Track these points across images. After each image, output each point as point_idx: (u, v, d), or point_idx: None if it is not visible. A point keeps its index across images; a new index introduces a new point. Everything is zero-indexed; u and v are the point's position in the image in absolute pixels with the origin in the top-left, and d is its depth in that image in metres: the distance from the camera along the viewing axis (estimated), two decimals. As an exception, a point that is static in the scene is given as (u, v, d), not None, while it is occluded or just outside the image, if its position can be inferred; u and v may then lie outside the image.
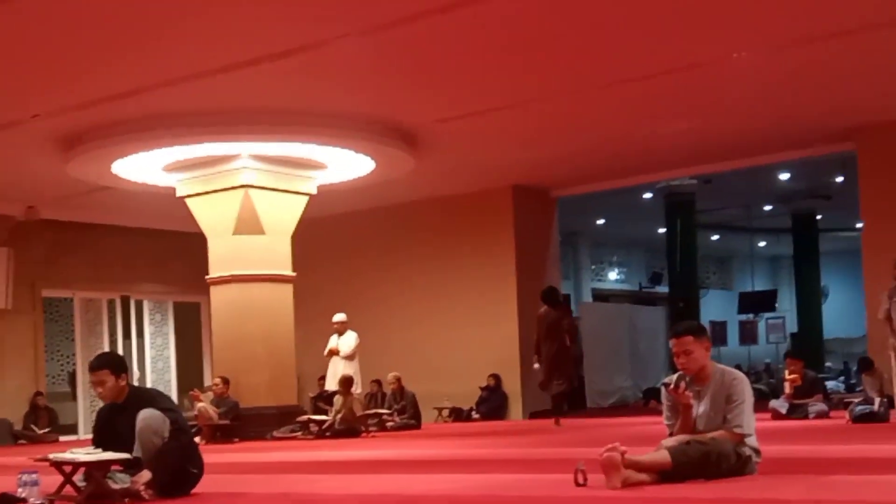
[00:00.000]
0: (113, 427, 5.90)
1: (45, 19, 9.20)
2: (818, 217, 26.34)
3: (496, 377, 17.16)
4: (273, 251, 14.25)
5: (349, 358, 14.39)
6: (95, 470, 5.72)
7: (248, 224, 13.96)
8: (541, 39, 10.41)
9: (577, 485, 5.20)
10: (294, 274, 14.55)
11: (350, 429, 13.35)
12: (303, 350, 15.16)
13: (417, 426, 14.99)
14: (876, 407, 10.62)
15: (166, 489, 5.72)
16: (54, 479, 5.83)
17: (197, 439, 12.68)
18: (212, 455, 9.54)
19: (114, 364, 5.95)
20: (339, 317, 14.69)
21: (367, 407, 14.71)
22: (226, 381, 13.82)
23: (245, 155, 13.59)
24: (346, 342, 14.49)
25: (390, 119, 13.13)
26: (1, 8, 8.88)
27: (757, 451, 5.45)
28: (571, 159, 15.93)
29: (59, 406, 17.64)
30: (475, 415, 17.08)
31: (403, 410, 15.16)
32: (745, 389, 5.42)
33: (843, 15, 10.11)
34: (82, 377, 17.50)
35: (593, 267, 29.91)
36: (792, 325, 28.06)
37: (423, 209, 17.99)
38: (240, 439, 13.44)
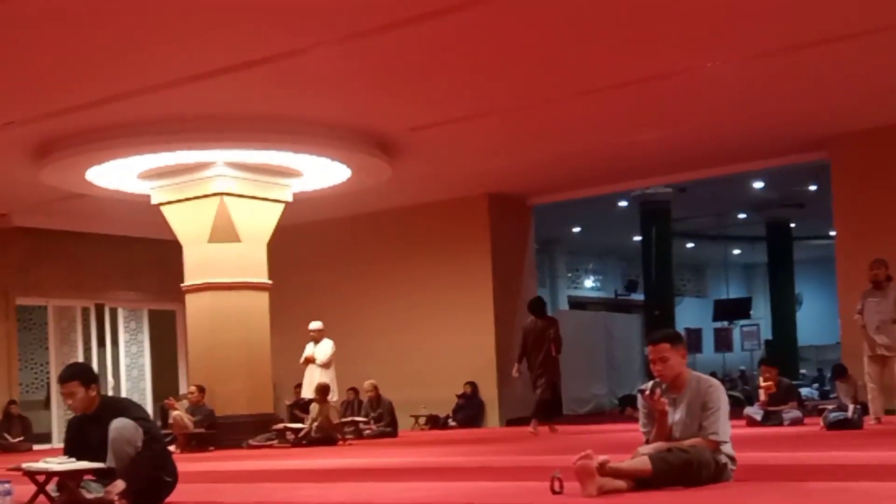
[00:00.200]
0: (85, 438, 5.86)
1: (19, 27, 9.15)
2: (792, 225, 26.53)
3: (473, 385, 17.17)
4: (248, 259, 14.20)
5: (325, 366, 14.37)
6: (69, 479, 5.68)
7: (224, 232, 13.91)
8: (516, 48, 10.44)
9: (554, 493, 5.21)
10: (270, 282, 14.51)
11: (326, 437, 13.31)
12: (279, 358, 15.10)
13: (394, 434, 14.96)
14: (850, 414, 10.67)
15: (140, 498, 5.69)
16: (27, 489, 5.79)
17: (172, 448, 12.71)
18: (187, 464, 9.48)
19: (83, 375, 5.92)
20: (315, 325, 14.65)
21: (343, 415, 14.68)
22: (201, 390, 13.77)
23: (220, 162, 13.55)
24: (322, 350, 14.46)
25: (366, 127, 13.12)
26: (-26, 14, 8.83)
27: (732, 459, 5.48)
28: (547, 167, 15.97)
29: (32, 415, 17.50)
30: (452, 422, 17.07)
31: (380, 418, 15.13)
32: (720, 397, 5.45)
33: (816, 25, 10.19)
34: (55, 386, 17.36)
35: (569, 274, 29.99)
36: (766, 333, 28.22)
37: (399, 217, 17.99)
38: (215, 448, 13.37)
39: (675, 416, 5.48)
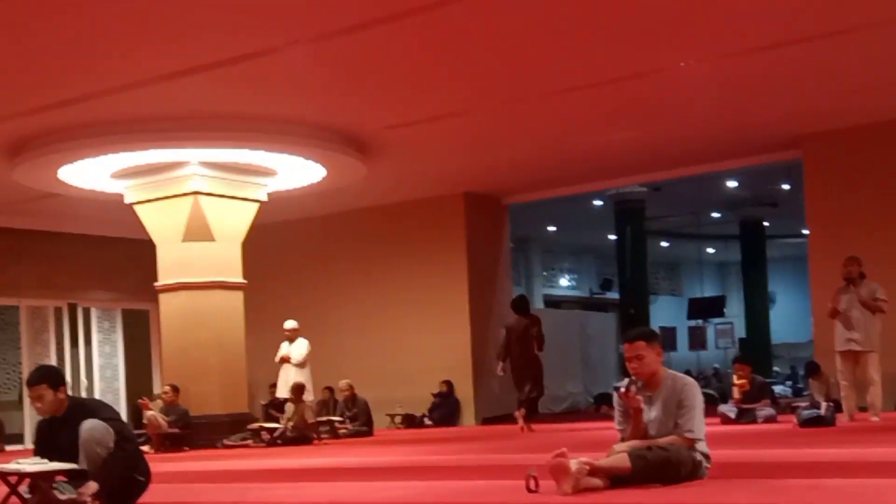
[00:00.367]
0: (54, 440, 5.81)
1: (-9, 23, 9.08)
2: (765, 224, 26.69)
3: (448, 383, 17.17)
4: (223, 258, 14.14)
5: (300, 365, 14.34)
6: (41, 480, 5.64)
7: (198, 231, 13.85)
8: (491, 47, 10.44)
9: (529, 491, 5.22)
10: (245, 281, 14.46)
11: (302, 436, 13.29)
12: (254, 357, 15.06)
13: (370, 433, 14.95)
14: (823, 411, 10.75)
15: (113, 499, 5.65)
16: (-1, 490, 5.74)
17: (146, 448, 12.67)
18: (161, 464, 9.44)
19: (51, 378, 5.88)
20: (290, 324, 14.62)
21: (319, 414, 14.65)
22: (175, 389, 13.71)
23: (194, 161, 13.49)
24: (298, 349, 14.44)
25: (341, 126, 13.09)
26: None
27: (707, 457, 5.50)
28: (522, 166, 16.00)
29: (4, 415, 17.36)
30: (428, 421, 17.07)
31: (356, 417, 15.11)
32: (696, 395, 5.47)
33: (790, 25, 10.25)
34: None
35: (545, 273, 30.05)
36: (740, 331, 28.40)
37: (374, 216, 17.97)
38: (190, 448, 13.31)
39: (651, 413, 5.51)
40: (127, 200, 14.23)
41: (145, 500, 5.92)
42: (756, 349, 25.03)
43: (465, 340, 17.18)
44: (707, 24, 10.16)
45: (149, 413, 13.41)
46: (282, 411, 13.98)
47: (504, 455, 9.13)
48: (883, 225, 13.77)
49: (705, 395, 5.73)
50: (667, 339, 26.18)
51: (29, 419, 17.46)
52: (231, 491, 7.10)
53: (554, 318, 22.70)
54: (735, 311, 29.82)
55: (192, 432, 13.52)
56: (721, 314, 28.38)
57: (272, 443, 13.25)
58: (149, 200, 14.03)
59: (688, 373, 6.53)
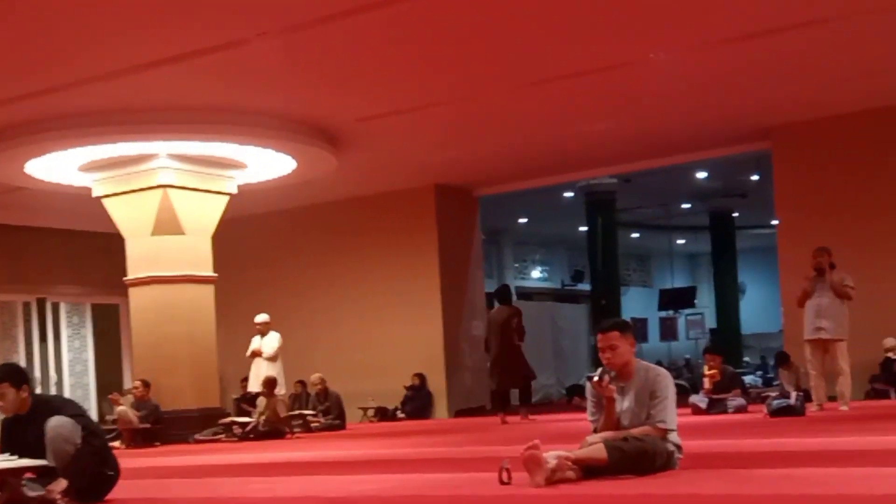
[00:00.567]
0: (20, 439, 5.75)
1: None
2: (735, 215, 26.84)
3: (421, 376, 17.16)
4: (193, 252, 14.06)
5: (272, 359, 14.29)
6: (10, 477, 5.58)
7: (167, 224, 13.76)
8: (461, 39, 10.43)
9: (502, 483, 5.22)
10: (215, 275, 14.38)
11: (274, 430, 13.24)
12: (225, 352, 14.99)
13: (342, 426, 14.92)
14: (792, 401, 10.82)
15: (83, 494, 5.61)
16: (-32, 488, 5.66)
17: (117, 443, 12.60)
18: (132, 459, 9.38)
19: (13, 376, 5.82)
20: (262, 317, 14.56)
21: (291, 408, 14.60)
22: (146, 384, 13.62)
23: (163, 154, 13.39)
24: (269, 343, 14.38)
25: (311, 118, 13.04)
26: None
27: (679, 447, 5.53)
28: (493, 158, 16.00)
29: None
30: (400, 414, 17.06)
31: (328, 411, 15.08)
32: (668, 385, 5.50)
33: (758, 17, 10.30)
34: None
35: (516, 265, 30.08)
36: (711, 321, 28.56)
37: (345, 208, 17.92)
38: (161, 443, 13.25)
39: (623, 404, 5.52)
40: (95, 194, 14.12)
41: (118, 496, 5.88)
42: (726, 339, 25.19)
43: (437, 333, 17.18)
44: (677, 17, 10.20)
45: (119, 408, 13.34)
46: (254, 405, 13.93)
47: (477, 447, 9.14)
48: (851, 215, 13.90)
49: (677, 385, 5.75)
50: (638, 330, 26.30)
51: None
52: (204, 486, 7.06)
53: (526, 310, 22.63)
54: (705, 301, 29.99)
55: (163, 427, 13.45)
56: (692, 305, 28.54)
57: (244, 437, 13.20)
58: (117, 194, 13.92)
59: (659, 363, 6.55)
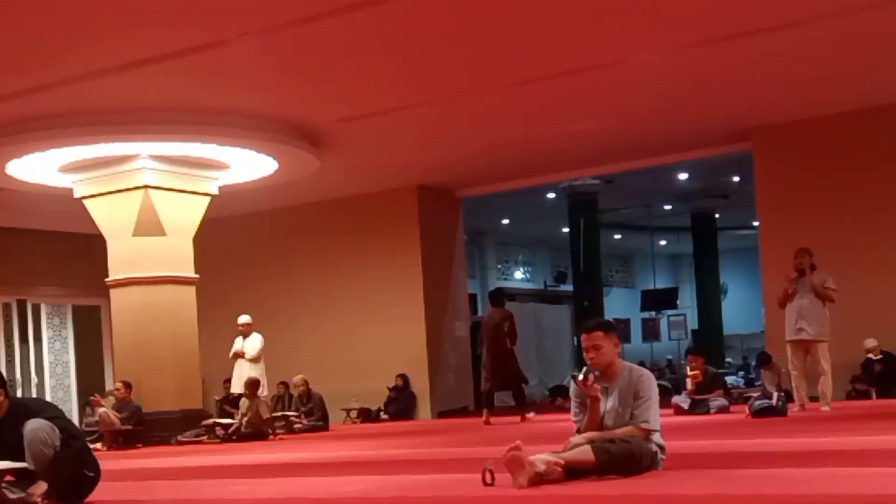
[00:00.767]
0: None
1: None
2: (716, 216, 26.94)
3: (404, 377, 17.15)
4: (174, 253, 14.01)
5: (254, 360, 14.26)
6: (-9, 479, 5.55)
7: (149, 225, 13.70)
8: (442, 40, 10.44)
9: (485, 484, 5.21)
10: (197, 276, 14.32)
11: (257, 432, 13.21)
12: (207, 353, 14.95)
13: (325, 428, 14.90)
14: (774, 401, 10.85)
15: (64, 497, 5.58)
16: (-53, 491, 5.63)
17: (98, 445, 12.54)
18: (113, 461, 9.35)
19: None
20: (244, 319, 14.53)
21: (274, 409, 14.58)
22: (128, 386, 13.56)
23: (144, 155, 13.33)
24: (251, 344, 14.35)
25: (292, 119, 13.02)
26: None
27: (662, 448, 5.54)
28: (476, 159, 16.01)
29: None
30: (383, 415, 17.05)
31: (311, 412, 15.05)
32: (652, 386, 5.52)
33: (740, 19, 10.34)
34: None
35: (499, 266, 30.11)
36: (693, 322, 28.65)
37: (328, 209, 17.90)
38: (143, 445, 13.21)
39: (607, 404, 5.54)
40: (76, 195, 14.05)
41: (100, 498, 5.85)
42: (708, 340, 25.29)
43: (420, 334, 17.17)
44: (658, 18, 10.22)
45: (101, 410, 13.27)
46: (236, 407, 13.89)
47: (460, 448, 9.13)
48: (832, 216, 13.97)
49: (659, 386, 5.76)
50: (620, 330, 26.19)
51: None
52: (186, 488, 7.03)
53: (509, 311, 22.82)
54: (687, 302, 30.09)
55: (145, 429, 13.40)
56: (674, 306, 28.62)
57: (227, 439, 13.17)
58: (98, 195, 13.85)
59: (641, 364, 6.58)
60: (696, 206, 26.41)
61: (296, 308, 18.07)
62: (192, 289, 14.27)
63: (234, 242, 18.27)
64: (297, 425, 14.61)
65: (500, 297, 14.09)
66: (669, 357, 27.74)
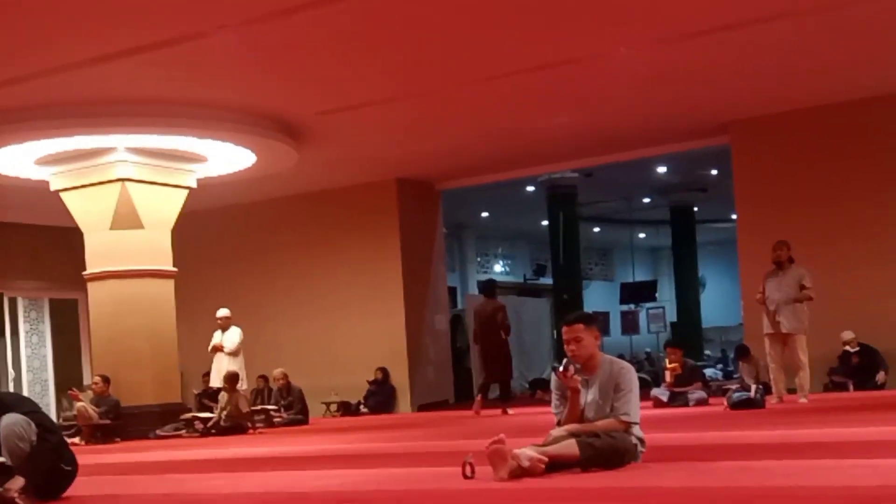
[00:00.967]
0: None
1: None
2: (695, 209, 27.03)
3: (384, 370, 17.14)
4: (152, 246, 13.94)
5: (233, 354, 14.22)
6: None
7: (126, 218, 13.63)
8: (421, 33, 10.42)
9: (465, 477, 5.21)
10: (175, 269, 14.26)
11: (236, 426, 13.18)
12: (186, 346, 14.88)
13: (305, 421, 14.87)
14: (752, 393, 10.91)
15: (41, 491, 5.55)
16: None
17: (76, 440, 12.47)
18: (91, 456, 9.30)
19: None
20: (223, 312, 14.48)
21: (253, 403, 14.55)
22: (106, 380, 13.49)
23: (121, 148, 13.26)
24: (230, 338, 14.31)
25: (271, 112, 12.97)
26: None
27: (642, 441, 5.56)
28: (454, 152, 16.00)
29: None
30: (363, 409, 17.04)
31: (290, 406, 15.02)
32: (632, 379, 5.54)
33: (718, 13, 10.37)
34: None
35: (479, 259, 30.13)
36: (672, 315, 28.74)
37: (306, 202, 17.85)
38: (121, 439, 13.14)
39: (588, 396, 5.55)
40: (53, 187, 13.96)
41: (78, 493, 5.82)
42: (687, 333, 25.37)
43: (399, 327, 17.16)
44: (636, 12, 10.24)
45: (79, 404, 13.20)
46: (215, 401, 13.85)
47: (440, 442, 9.13)
48: (810, 209, 14.05)
49: (638, 379, 5.78)
50: (600, 323, 26.39)
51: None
52: (165, 482, 7.00)
53: (488, 304, 22.81)
54: (666, 295, 30.19)
55: (123, 423, 13.33)
56: (653, 299, 28.71)
57: (206, 433, 13.13)
58: (75, 187, 13.77)
59: (621, 357, 6.58)
60: (674, 200, 26.49)
61: (275, 301, 18.02)
62: (171, 282, 14.21)
63: (213, 236, 18.20)
64: (276, 419, 14.58)
65: (492, 287, 14.23)
66: (648, 350, 27.83)
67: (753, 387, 11.30)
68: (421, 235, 17.92)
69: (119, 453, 10.85)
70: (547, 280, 27.70)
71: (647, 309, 28.95)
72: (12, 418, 5.51)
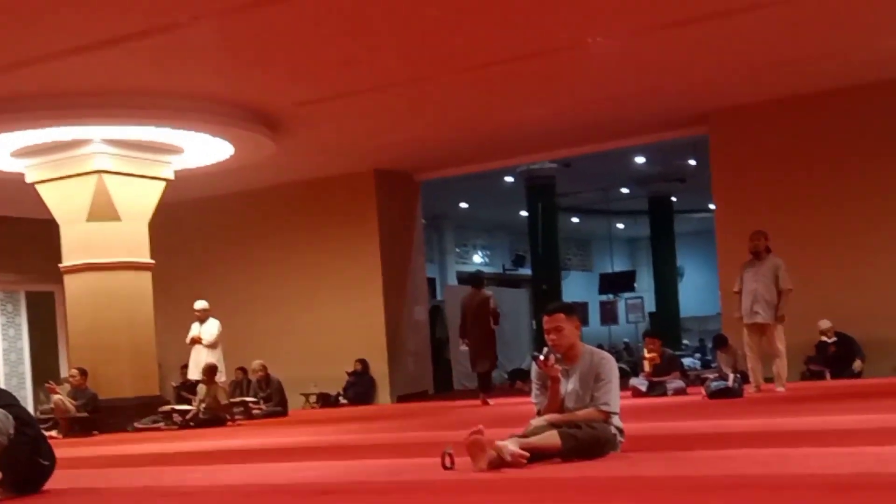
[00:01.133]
0: None
1: None
2: (673, 199, 27.12)
3: (363, 362, 17.12)
4: (129, 238, 13.85)
5: (212, 346, 14.18)
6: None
7: (103, 210, 13.54)
8: (399, 23, 10.38)
9: (445, 468, 5.22)
10: (152, 261, 14.18)
11: (215, 418, 13.14)
12: (164, 339, 14.82)
13: (284, 413, 14.83)
14: (730, 382, 10.97)
15: (19, 486, 5.51)
16: None
17: (54, 433, 12.40)
18: (70, 449, 9.25)
19: None
20: (201, 304, 14.43)
21: (232, 395, 14.49)
22: (83, 373, 13.42)
23: (97, 139, 13.17)
24: (208, 330, 14.26)
25: (248, 102, 12.91)
26: None
27: (621, 431, 5.57)
28: (433, 143, 15.98)
29: None
30: (343, 400, 17.01)
31: (269, 398, 14.97)
32: (612, 369, 5.55)
33: (696, 2, 10.38)
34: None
35: (458, 250, 30.13)
36: (650, 305, 28.86)
37: (285, 193, 17.79)
38: (99, 432, 13.08)
39: (568, 386, 5.56)
40: (28, 179, 13.85)
41: (56, 486, 5.78)
42: (665, 323, 25.48)
43: (378, 318, 17.14)
44: (615, 2, 10.23)
45: (56, 397, 13.13)
46: (194, 393, 13.79)
47: (420, 433, 9.14)
48: (787, 199, 14.11)
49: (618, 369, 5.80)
50: (580, 313, 26.47)
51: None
52: (144, 475, 6.97)
53: (467, 295, 22.82)
54: (645, 285, 30.29)
55: (101, 416, 13.26)
56: (631, 289, 28.80)
57: (185, 425, 13.08)
58: (51, 179, 13.66)
59: (600, 347, 6.62)
60: (653, 190, 26.58)
61: (253, 293, 17.97)
62: (148, 274, 14.13)
63: (191, 227, 18.12)
64: (255, 411, 14.53)
65: (479, 279, 14.40)
66: (627, 340, 27.93)
67: (731, 376, 11.35)
68: (400, 226, 17.89)
69: (97, 446, 10.80)
70: (526, 270, 27.74)
71: (626, 299, 29.04)
72: (-10, 412, 5.46)
